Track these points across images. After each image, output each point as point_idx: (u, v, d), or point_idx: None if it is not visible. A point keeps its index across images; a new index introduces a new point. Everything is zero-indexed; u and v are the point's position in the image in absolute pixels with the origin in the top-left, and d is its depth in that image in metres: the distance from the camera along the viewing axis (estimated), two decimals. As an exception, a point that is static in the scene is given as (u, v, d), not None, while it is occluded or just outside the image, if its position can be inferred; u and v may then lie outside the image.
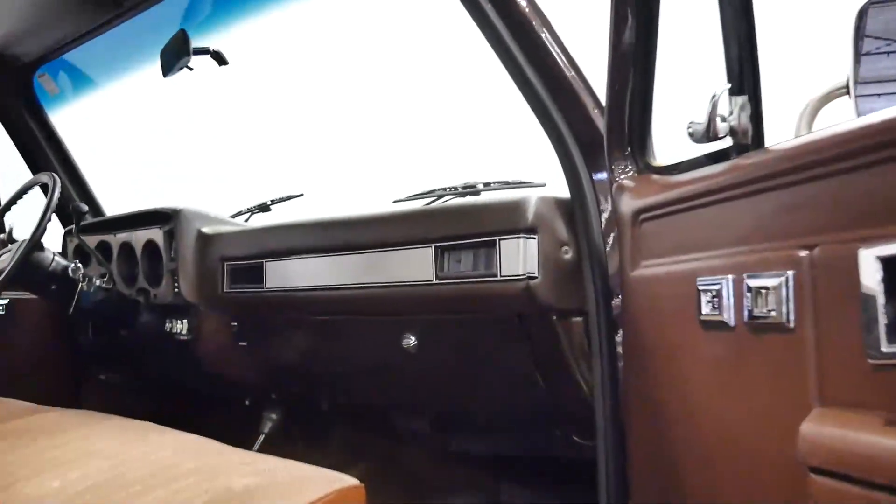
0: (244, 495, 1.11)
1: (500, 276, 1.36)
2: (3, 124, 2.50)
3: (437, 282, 1.48)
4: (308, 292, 1.76)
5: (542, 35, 1.27)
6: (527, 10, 1.26)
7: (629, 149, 1.23)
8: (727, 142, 1.05)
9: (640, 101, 1.19)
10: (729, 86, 1.04)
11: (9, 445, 1.51)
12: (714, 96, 1.02)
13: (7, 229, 2.46)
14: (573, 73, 1.28)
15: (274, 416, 2.13)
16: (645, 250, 1.16)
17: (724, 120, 1.03)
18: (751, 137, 1.03)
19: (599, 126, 1.27)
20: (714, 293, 0.94)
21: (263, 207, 2.37)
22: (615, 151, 1.24)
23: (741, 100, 1.03)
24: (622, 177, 1.24)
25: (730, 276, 0.92)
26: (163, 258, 2.13)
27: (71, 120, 2.64)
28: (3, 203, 2.27)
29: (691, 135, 1.05)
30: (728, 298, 0.92)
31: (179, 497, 1.12)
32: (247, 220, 2.35)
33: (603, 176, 1.28)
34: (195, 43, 1.91)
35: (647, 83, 1.17)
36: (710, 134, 1.03)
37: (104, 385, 2.62)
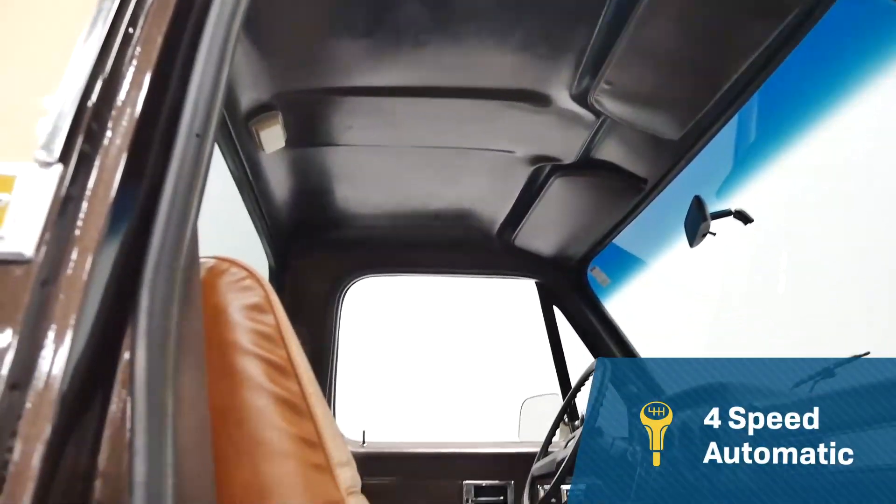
0: None
1: None
2: (565, 316, 2.75)
3: None
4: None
5: None
6: None
7: None
8: None
9: None
10: None
11: None
12: None
13: (580, 415, 2.62)
14: None
15: None
16: None
17: None
18: None
19: None
20: None
21: (826, 374, 2.06)
22: None
23: None
24: None
25: None
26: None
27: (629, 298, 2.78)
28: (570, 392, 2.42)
29: None
30: None
31: None
32: (811, 390, 2.07)
33: None
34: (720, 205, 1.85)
35: None
36: None
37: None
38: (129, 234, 0.62)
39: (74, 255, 0.57)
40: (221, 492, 0.69)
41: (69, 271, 0.56)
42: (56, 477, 0.53)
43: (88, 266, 0.57)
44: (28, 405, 0.52)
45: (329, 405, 2.71)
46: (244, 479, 0.72)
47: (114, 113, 0.64)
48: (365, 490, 1.32)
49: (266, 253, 2.61)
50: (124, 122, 0.63)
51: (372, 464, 2.57)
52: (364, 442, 2.68)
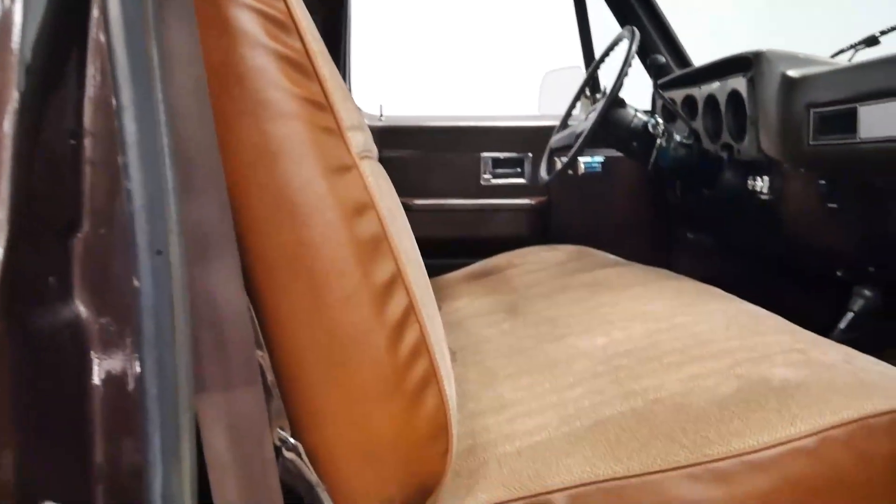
0: (779, 392, 0.92)
1: None
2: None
3: None
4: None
5: None
6: None
7: None
8: None
9: None
10: None
11: (579, 297, 1.58)
12: None
13: (602, 88, 2.54)
14: None
15: (867, 292, 1.77)
16: None
17: None
18: None
19: None
20: None
21: (870, 41, 1.94)
22: None
23: None
24: None
25: None
26: (746, 109, 1.92)
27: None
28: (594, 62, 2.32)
29: None
30: None
31: (704, 381, 0.98)
32: (850, 59, 1.96)
33: None
34: None
35: None
36: None
37: (692, 244, 2.59)
38: None
39: None
40: (227, 153, 0.66)
41: None
42: (39, 137, 0.48)
43: None
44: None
45: (344, 78, 2.64)
46: (250, 140, 0.68)
47: None
48: (383, 162, 1.30)
49: None
50: None
51: (390, 137, 2.57)
52: (381, 116, 2.66)
